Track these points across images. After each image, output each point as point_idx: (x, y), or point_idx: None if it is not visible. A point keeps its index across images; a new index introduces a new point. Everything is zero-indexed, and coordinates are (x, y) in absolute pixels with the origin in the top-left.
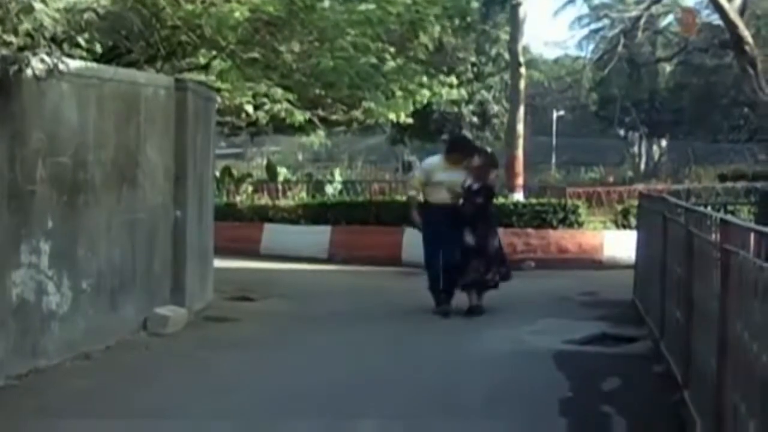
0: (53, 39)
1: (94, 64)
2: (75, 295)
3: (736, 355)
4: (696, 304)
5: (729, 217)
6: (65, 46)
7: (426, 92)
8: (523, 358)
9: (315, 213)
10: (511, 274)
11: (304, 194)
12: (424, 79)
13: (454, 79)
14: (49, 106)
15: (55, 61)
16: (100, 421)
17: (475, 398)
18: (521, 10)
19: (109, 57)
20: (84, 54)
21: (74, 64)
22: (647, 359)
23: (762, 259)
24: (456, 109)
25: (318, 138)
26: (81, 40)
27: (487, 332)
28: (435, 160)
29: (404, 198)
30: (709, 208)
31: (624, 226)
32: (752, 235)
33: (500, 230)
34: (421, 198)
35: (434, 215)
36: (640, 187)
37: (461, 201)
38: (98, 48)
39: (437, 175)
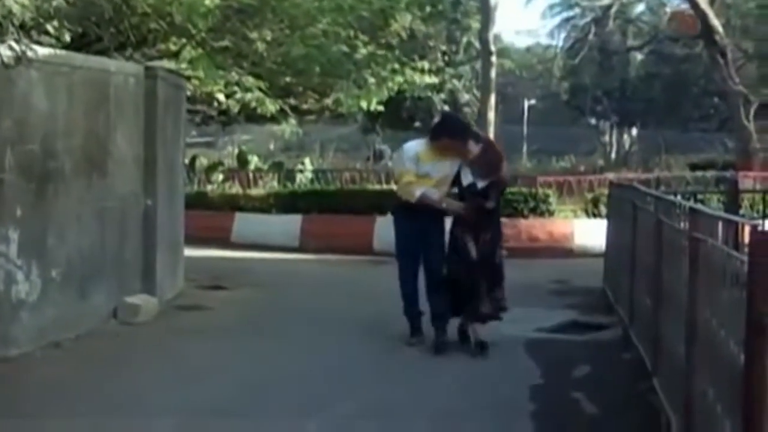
0: (22, 26)
1: (64, 52)
2: (44, 283)
3: (704, 342)
4: (665, 291)
5: (698, 205)
6: (34, 33)
7: (399, 79)
8: (494, 345)
9: (286, 202)
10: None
11: (275, 183)
12: (396, 66)
13: (426, 65)
14: (18, 94)
15: (24, 48)
16: (70, 410)
17: (445, 385)
18: None
19: (78, 44)
20: (53, 41)
21: (43, 51)
22: (617, 347)
23: (730, 247)
24: (429, 94)
25: (289, 127)
26: (50, 28)
27: (458, 320)
28: (419, 145)
29: (407, 199)
30: (678, 197)
31: (594, 215)
32: (720, 224)
33: None
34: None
35: (414, 219)
36: (610, 176)
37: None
38: (67, 35)
39: (422, 166)
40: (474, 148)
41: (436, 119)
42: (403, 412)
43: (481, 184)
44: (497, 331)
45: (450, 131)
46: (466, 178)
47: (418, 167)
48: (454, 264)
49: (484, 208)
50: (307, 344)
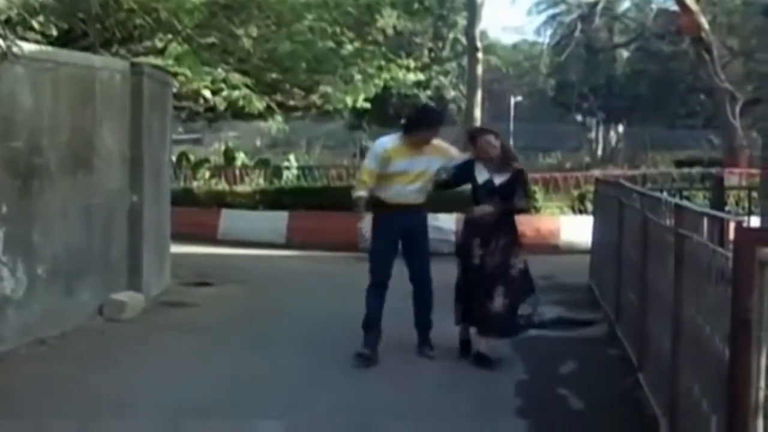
0: (7, 22)
1: (49, 48)
2: (30, 280)
3: (689, 338)
4: (651, 287)
5: (683, 202)
6: (19, 29)
7: (385, 75)
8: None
9: (272, 198)
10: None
11: (261, 180)
12: (382, 62)
13: (411, 62)
14: (3, 90)
15: (9, 44)
16: (55, 407)
17: (430, 382)
18: None
19: (64, 40)
20: (39, 37)
21: (29, 47)
22: (603, 342)
23: (715, 244)
24: (415, 91)
25: (276, 123)
26: (35, 24)
27: (444, 316)
28: (391, 140)
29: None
30: (664, 193)
31: (581, 212)
32: (705, 220)
33: (457, 216)
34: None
35: (394, 222)
36: (596, 172)
37: (477, 207)
38: (53, 31)
39: (397, 162)
40: (496, 143)
41: (411, 112)
42: (387, 410)
43: (498, 180)
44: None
45: (427, 123)
46: (481, 175)
47: (388, 165)
48: (461, 270)
49: (507, 207)
50: (292, 341)
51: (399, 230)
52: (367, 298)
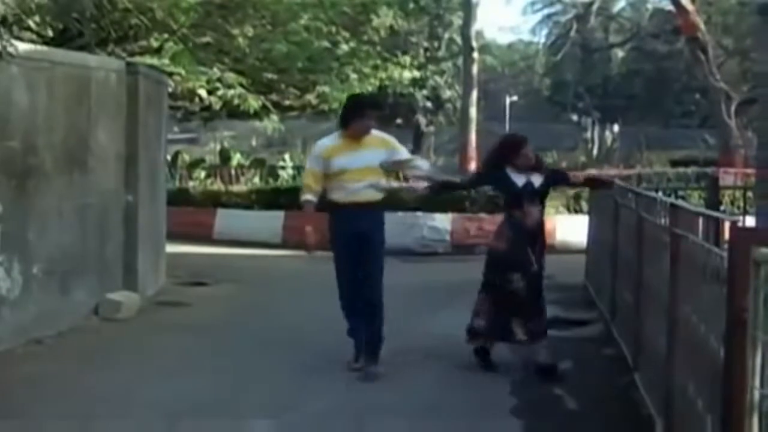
0: (3, 22)
1: (45, 48)
2: (26, 280)
3: (685, 337)
4: (646, 287)
5: (678, 201)
6: (15, 28)
7: (381, 74)
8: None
9: (268, 198)
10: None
11: (257, 179)
12: (378, 62)
13: (407, 60)
14: None
15: (5, 44)
16: (51, 406)
17: (428, 379)
18: None
19: (60, 40)
20: (34, 37)
21: (24, 47)
22: (598, 342)
23: (710, 243)
24: (411, 90)
25: (272, 123)
26: (31, 23)
27: (440, 315)
28: (331, 139)
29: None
30: (660, 193)
31: (576, 211)
32: (700, 220)
33: (453, 216)
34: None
35: (347, 222)
36: (592, 172)
37: (517, 212)
38: (49, 31)
39: (337, 160)
40: (530, 153)
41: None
42: (382, 410)
43: (538, 182)
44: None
45: (359, 113)
46: (519, 179)
47: (330, 164)
48: (501, 283)
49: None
50: (287, 341)
51: (354, 231)
52: (344, 311)
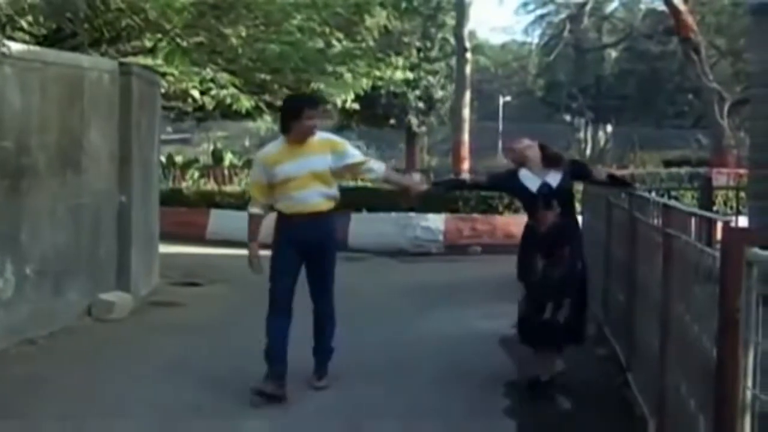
0: None
1: (38, 48)
2: (19, 280)
3: (677, 337)
4: (639, 287)
5: (671, 201)
6: (8, 28)
7: (376, 72)
8: (470, 341)
9: None
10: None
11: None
12: (371, 62)
13: (401, 61)
14: None
15: None
16: (44, 407)
17: (421, 380)
18: None
19: (53, 40)
20: (27, 37)
21: (17, 47)
22: (591, 342)
23: (703, 244)
24: (404, 90)
25: (265, 123)
26: (24, 23)
27: (434, 316)
28: (273, 146)
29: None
30: (653, 193)
31: None
32: (693, 220)
33: (447, 216)
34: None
35: (294, 232)
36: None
37: (530, 219)
38: (42, 31)
39: (281, 168)
40: (531, 143)
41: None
42: (376, 410)
43: (554, 181)
44: (474, 327)
45: (295, 114)
46: (532, 182)
47: (274, 173)
48: (526, 288)
49: (560, 214)
50: None
51: (301, 242)
52: (268, 328)
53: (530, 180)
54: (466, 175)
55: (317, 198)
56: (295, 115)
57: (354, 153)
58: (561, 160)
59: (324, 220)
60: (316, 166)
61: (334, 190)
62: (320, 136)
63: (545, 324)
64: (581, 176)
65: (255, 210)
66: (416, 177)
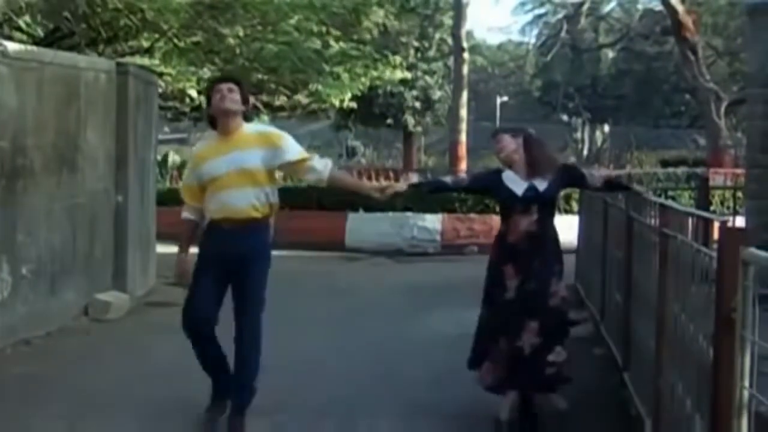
0: None
1: (34, 48)
2: (15, 280)
3: (673, 337)
4: (635, 287)
5: (668, 201)
6: (5, 28)
7: (373, 72)
8: (467, 340)
9: None
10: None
11: None
12: (368, 62)
13: (398, 61)
14: None
15: None
16: (40, 407)
17: (418, 378)
18: None
19: (50, 40)
20: (24, 37)
21: (13, 46)
22: (588, 342)
23: (699, 243)
24: (401, 90)
25: (262, 123)
26: (21, 23)
27: (431, 315)
28: (203, 141)
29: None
30: (650, 193)
31: (566, 211)
32: (690, 220)
33: (444, 216)
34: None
35: (218, 241)
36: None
37: (502, 224)
38: (39, 31)
39: (206, 166)
40: (511, 144)
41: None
42: (374, 409)
43: (543, 186)
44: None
45: (208, 97)
46: (516, 184)
47: (199, 173)
48: (489, 308)
49: (544, 224)
50: (274, 339)
51: (222, 256)
52: (197, 355)
53: (516, 183)
54: (449, 178)
55: (247, 202)
56: (208, 100)
57: (295, 149)
58: (551, 165)
59: (253, 229)
60: (247, 163)
61: (270, 194)
62: (256, 128)
63: (512, 354)
64: (573, 183)
65: (186, 214)
66: (414, 178)
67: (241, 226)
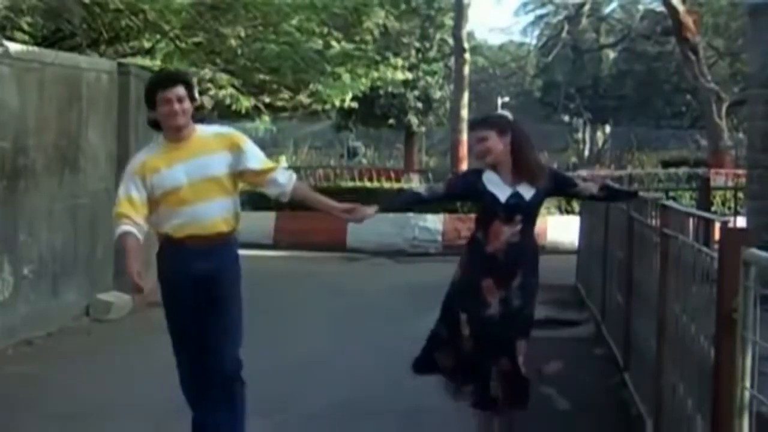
0: None
1: (36, 48)
2: (16, 281)
3: (674, 337)
4: (636, 287)
5: (669, 202)
6: (7, 29)
7: (374, 73)
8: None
9: (259, 199)
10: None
11: None
12: (369, 63)
13: (399, 61)
14: None
15: None
16: (41, 407)
17: (418, 379)
18: None
19: (52, 41)
20: (26, 38)
21: (15, 47)
22: (589, 342)
23: (700, 244)
24: (402, 91)
25: (263, 124)
26: (23, 24)
27: (430, 315)
28: (149, 148)
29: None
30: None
31: (567, 212)
32: (690, 220)
33: (445, 216)
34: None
35: (186, 266)
36: (583, 173)
37: (479, 232)
38: (41, 32)
39: (158, 176)
40: (497, 143)
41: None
42: (373, 409)
43: (529, 194)
44: None
45: (149, 102)
46: (499, 189)
47: (152, 183)
48: (448, 327)
49: (527, 236)
50: (278, 341)
51: (196, 277)
52: (190, 403)
53: (498, 187)
54: (422, 188)
55: (216, 215)
56: (150, 104)
57: (258, 156)
58: (541, 171)
59: (223, 246)
60: (210, 170)
61: (236, 204)
62: (211, 129)
63: (507, 376)
64: (563, 191)
65: (126, 228)
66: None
67: (208, 243)
